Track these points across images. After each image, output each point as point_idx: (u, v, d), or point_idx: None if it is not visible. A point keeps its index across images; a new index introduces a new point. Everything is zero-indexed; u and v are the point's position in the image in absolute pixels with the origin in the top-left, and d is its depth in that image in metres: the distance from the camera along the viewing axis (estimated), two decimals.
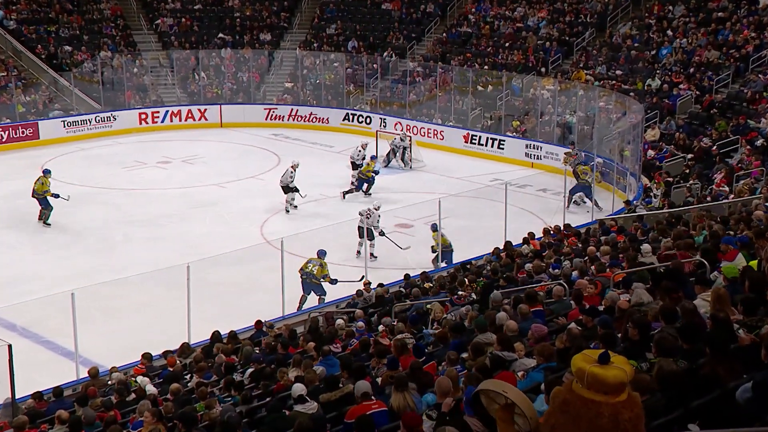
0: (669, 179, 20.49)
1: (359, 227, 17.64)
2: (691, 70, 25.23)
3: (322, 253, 15.65)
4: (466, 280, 13.57)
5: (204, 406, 8.81)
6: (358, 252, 17.72)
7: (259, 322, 13.10)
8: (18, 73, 30.52)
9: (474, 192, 22.08)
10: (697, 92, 24.29)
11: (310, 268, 15.43)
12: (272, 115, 31.50)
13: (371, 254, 17.45)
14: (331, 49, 34.29)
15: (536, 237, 16.21)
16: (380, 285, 14.73)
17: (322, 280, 15.39)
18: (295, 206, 21.16)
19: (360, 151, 23.17)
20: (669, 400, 4.80)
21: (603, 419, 2.99)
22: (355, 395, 7.05)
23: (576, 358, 3.14)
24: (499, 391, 3.44)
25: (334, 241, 17.86)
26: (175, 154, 26.95)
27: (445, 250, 17.17)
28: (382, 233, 17.64)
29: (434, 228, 17.17)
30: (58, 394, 10.68)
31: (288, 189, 21.10)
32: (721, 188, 18.44)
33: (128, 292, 15.49)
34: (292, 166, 21.24)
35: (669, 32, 27.26)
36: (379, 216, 17.67)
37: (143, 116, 30.73)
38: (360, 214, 17.82)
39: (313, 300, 15.48)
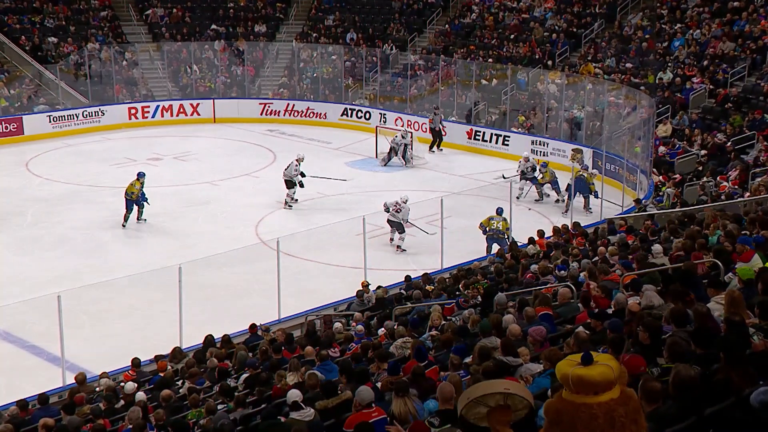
0: (675, 177, 20.47)
1: (389, 221, 18.50)
2: (705, 62, 25.21)
3: (500, 211, 17.69)
4: (469, 282, 13.57)
5: (202, 412, 8.82)
6: (391, 239, 18.66)
7: (253, 326, 13.11)
8: (0, 66, 30.51)
9: (477, 190, 22.07)
10: (711, 86, 24.27)
11: (494, 225, 17.47)
12: (267, 110, 31.49)
13: (398, 247, 18.43)
14: (329, 41, 34.28)
15: (545, 236, 16.26)
16: (379, 287, 14.74)
17: (507, 232, 17.40)
18: (296, 200, 21.34)
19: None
20: (682, 407, 4.80)
21: (598, 420, 2.98)
22: (359, 403, 7.03)
23: (560, 365, 3.13)
24: (497, 390, 3.40)
25: (331, 241, 17.88)
26: (166, 150, 26.94)
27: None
28: (410, 224, 18.58)
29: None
30: (44, 401, 10.68)
31: (291, 184, 21.20)
32: (735, 188, 18.43)
33: (117, 294, 15.49)
34: (297, 160, 21.36)
35: (682, 23, 27.26)
36: (409, 209, 18.44)
37: (133, 111, 30.72)
38: (387, 209, 18.47)
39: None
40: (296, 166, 21.18)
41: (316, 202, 21.82)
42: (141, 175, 20.25)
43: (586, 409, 3.00)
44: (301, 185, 21.12)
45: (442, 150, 26.79)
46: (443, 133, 27.07)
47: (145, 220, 20.25)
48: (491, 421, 3.35)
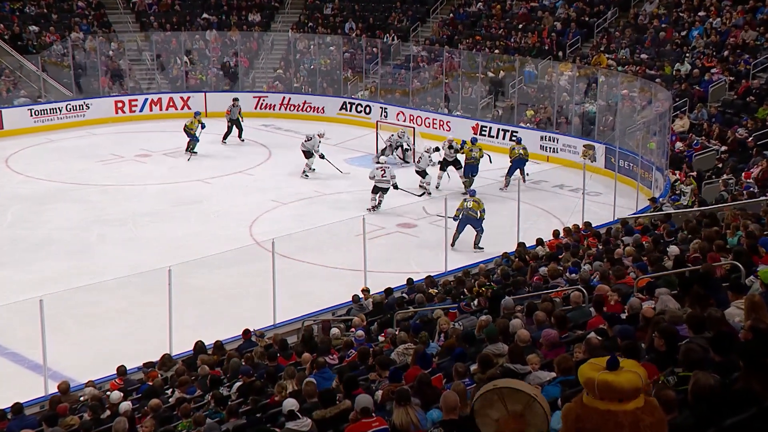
0: (692, 174, 20.46)
1: (376, 187, 21.01)
2: (725, 53, 25.19)
3: (472, 192, 18.67)
4: (476, 284, 13.57)
5: (192, 423, 8.82)
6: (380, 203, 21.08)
7: (247, 331, 13.10)
8: None
9: (484, 188, 22.06)
10: (732, 78, 24.24)
11: (466, 204, 18.02)
12: (262, 103, 31.51)
13: (373, 207, 20.86)
14: (327, 31, 34.28)
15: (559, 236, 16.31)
16: (384, 291, 14.73)
17: (480, 214, 17.97)
18: (313, 169, 23.63)
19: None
20: (700, 417, 4.80)
21: (624, 429, 3.00)
22: (356, 409, 7.05)
23: (583, 369, 3.14)
24: (527, 391, 3.40)
25: (329, 242, 17.89)
26: (155, 146, 26.94)
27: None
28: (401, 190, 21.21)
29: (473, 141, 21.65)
30: (18, 410, 10.62)
31: (309, 154, 23.58)
32: (748, 181, 18.46)
33: (103, 298, 15.49)
34: (319, 135, 23.82)
35: (701, 11, 27.23)
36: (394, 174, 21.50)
37: (120, 105, 30.73)
38: (372, 177, 20.98)
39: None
40: (319, 141, 23.61)
41: (313, 201, 21.84)
42: (197, 114, 26.06)
43: (611, 416, 3.03)
44: (322, 156, 23.51)
45: (243, 140, 27.81)
46: (241, 120, 27.88)
47: (196, 153, 25.65)
48: (501, 428, 3.34)
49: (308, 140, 23.73)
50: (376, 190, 20.95)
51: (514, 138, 25.00)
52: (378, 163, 21.70)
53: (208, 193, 22.57)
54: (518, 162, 22.76)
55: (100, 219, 20.45)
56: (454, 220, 18.16)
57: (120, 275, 15.66)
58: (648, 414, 3.06)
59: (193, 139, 25.70)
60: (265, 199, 21.76)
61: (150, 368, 12.17)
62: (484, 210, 18.11)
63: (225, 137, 27.70)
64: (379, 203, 20.91)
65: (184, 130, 25.74)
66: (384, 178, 20.92)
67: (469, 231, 18.24)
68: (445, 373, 8.33)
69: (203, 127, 25.66)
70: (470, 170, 22.37)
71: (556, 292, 11.50)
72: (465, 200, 18.22)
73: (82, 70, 31.45)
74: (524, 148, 22.99)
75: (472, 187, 19.22)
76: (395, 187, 20.86)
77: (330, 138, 27.87)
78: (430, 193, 22.04)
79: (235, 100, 28.46)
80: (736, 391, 4.97)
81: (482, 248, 18.02)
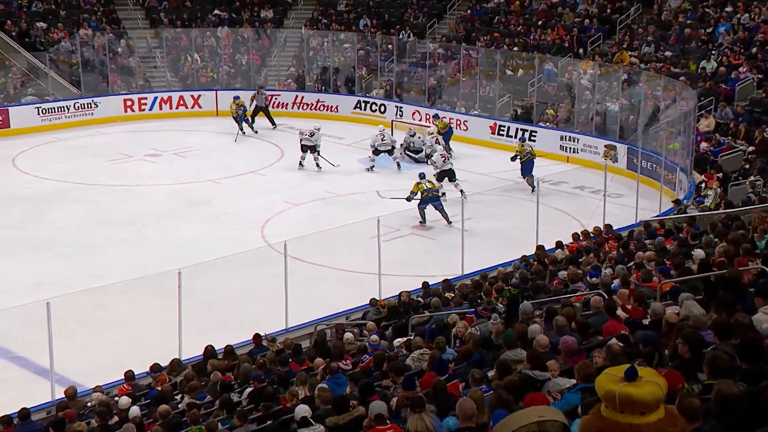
0: (719, 175, 20.35)
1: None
2: (753, 50, 25.04)
3: (422, 175, 20.16)
4: (493, 289, 13.54)
5: (203, 429, 8.84)
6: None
7: (257, 336, 13.13)
8: None
9: (501, 190, 22.04)
10: (760, 75, 24.11)
11: (424, 186, 19.52)
12: (274, 102, 31.52)
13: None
14: (341, 27, 34.32)
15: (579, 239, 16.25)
16: (399, 295, 14.70)
17: (439, 191, 19.82)
18: (320, 167, 24.28)
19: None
20: (726, 427, 4.77)
21: None
22: (369, 417, 7.05)
23: (600, 380, 3.13)
24: (531, 421, 3.42)
25: (343, 244, 17.89)
26: (164, 145, 27.04)
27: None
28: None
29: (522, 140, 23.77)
30: (25, 416, 10.66)
31: (314, 149, 24.39)
32: None
33: (111, 301, 15.54)
34: (316, 128, 24.59)
35: (728, 7, 27.08)
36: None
37: (129, 103, 30.87)
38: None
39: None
40: (320, 135, 24.48)
41: (326, 202, 21.85)
42: (236, 98, 28.17)
43: (634, 430, 3.02)
44: (318, 153, 24.33)
45: (275, 126, 29.23)
46: (252, 110, 29.19)
47: (256, 131, 28.36)
48: None
49: (311, 135, 24.34)
50: (377, 152, 24.26)
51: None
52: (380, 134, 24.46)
53: (218, 193, 22.62)
54: (447, 134, 25.94)
55: (107, 220, 20.53)
56: (408, 201, 19.72)
57: (128, 277, 15.69)
58: (671, 425, 3.05)
59: (243, 120, 27.89)
60: (277, 200, 21.78)
61: (158, 372, 12.21)
62: (441, 186, 20.36)
63: (272, 123, 29.06)
64: (371, 167, 24.11)
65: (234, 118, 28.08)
66: (384, 141, 24.38)
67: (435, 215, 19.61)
68: (462, 379, 8.32)
69: (244, 110, 28.11)
70: (528, 167, 22.43)
71: (576, 297, 11.46)
72: (420, 183, 19.67)
73: (90, 67, 31.60)
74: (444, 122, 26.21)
75: (421, 171, 20.83)
76: (393, 148, 24.29)
77: (344, 137, 27.99)
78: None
79: (261, 87, 29.62)
80: (765, 400, 4.93)
81: (451, 223, 19.29)
